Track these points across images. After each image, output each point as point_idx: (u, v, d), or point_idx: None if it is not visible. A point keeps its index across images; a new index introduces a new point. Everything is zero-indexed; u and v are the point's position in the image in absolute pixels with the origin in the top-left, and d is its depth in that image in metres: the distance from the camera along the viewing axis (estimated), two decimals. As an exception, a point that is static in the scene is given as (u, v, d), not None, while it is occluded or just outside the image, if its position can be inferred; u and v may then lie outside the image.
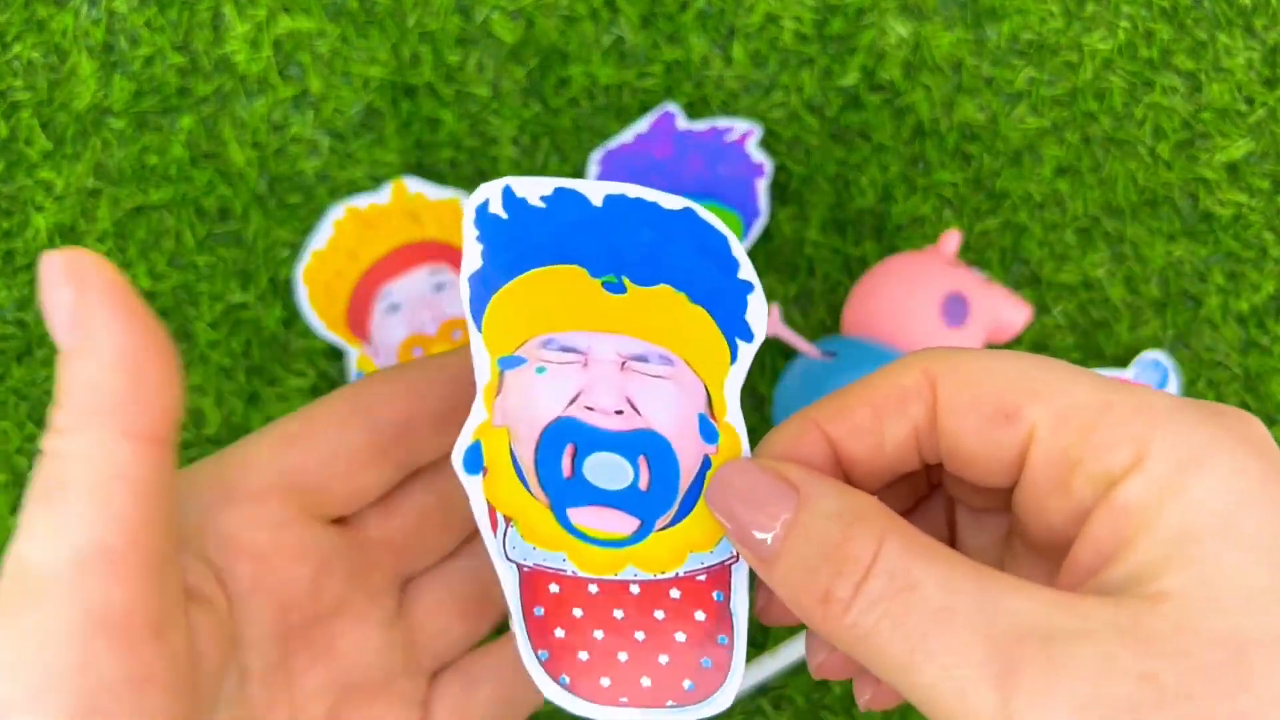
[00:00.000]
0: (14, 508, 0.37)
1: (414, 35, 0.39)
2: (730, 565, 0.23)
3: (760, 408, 0.38)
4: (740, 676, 0.23)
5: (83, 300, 0.19)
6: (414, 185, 0.38)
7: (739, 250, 0.21)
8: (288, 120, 0.39)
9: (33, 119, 0.39)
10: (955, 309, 0.35)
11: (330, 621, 0.24)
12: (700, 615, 0.23)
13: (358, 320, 0.37)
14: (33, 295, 0.38)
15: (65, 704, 0.18)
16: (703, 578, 0.23)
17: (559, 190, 0.21)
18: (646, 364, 0.22)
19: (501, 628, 0.26)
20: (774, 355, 0.38)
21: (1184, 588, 0.15)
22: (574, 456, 0.23)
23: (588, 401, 0.23)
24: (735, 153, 0.38)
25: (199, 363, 0.38)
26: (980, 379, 0.18)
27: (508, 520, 0.23)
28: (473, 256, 0.22)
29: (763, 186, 0.38)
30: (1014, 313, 0.36)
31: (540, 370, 0.23)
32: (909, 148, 0.39)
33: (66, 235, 0.39)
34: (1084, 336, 0.39)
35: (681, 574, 0.23)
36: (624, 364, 0.23)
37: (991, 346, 0.38)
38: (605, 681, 0.23)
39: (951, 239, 0.36)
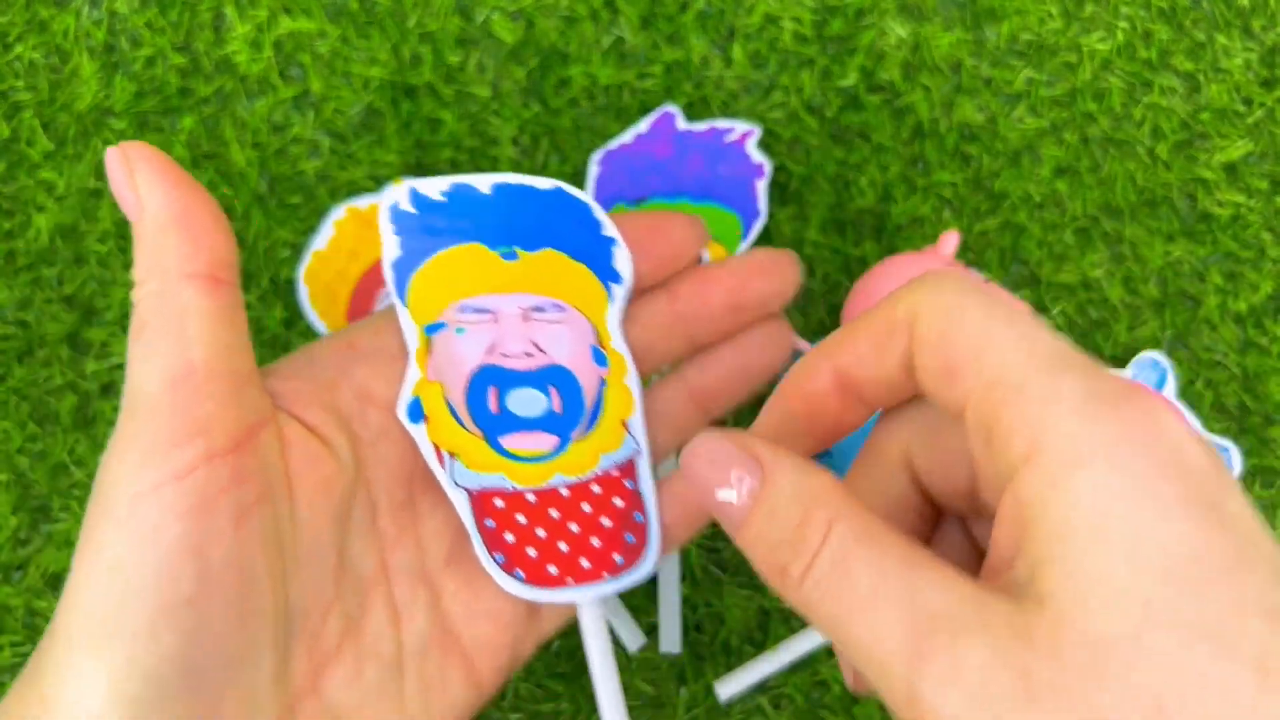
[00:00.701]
0: (15, 507, 0.37)
1: (414, 36, 0.39)
2: (635, 458, 0.29)
3: (757, 408, 0.38)
4: (657, 544, 0.28)
5: (132, 177, 0.23)
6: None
7: (600, 214, 0.28)
8: (288, 121, 0.39)
9: (34, 119, 0.39)
10: None
11: None
12: (619, 501, 0.28)
13: (359, 320, 0.38)
14: (34, 295, 0.39)
15: (186, 497, 0.22)
16: (615, 472, 0.29)
17: (455, 185, 0.27)
18: (544, 313, 0.28)
19: None
20: (774, 355, 0.38)
21: (1059, 588, 0.15)
22: (498, 395, 0.28)
23: (502, 350, 0.28)
24: (735, 153, 0.38)
25: (200, 363, 0.38)
26: (946, 326, 0.18)
27: (451, 455, 0.28)
28: (391, 247, 0.27)
29: (762, 187, 0.38)
30: (1013, 313, 0.36)
31: (460, 331, 0.28)
32: (908, 148, 0.39)
33: (68, 235, 0.39)
34: (1082, 337, 0.39)
35: (599, 473, 0.29)
36: (526, 315, 0.28)
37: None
38: (553, 569, 0.28)
39: (950, 240, 0.36)
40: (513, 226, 0.27)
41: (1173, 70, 0.40)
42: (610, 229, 0.28)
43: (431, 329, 0.28)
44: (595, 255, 0.28)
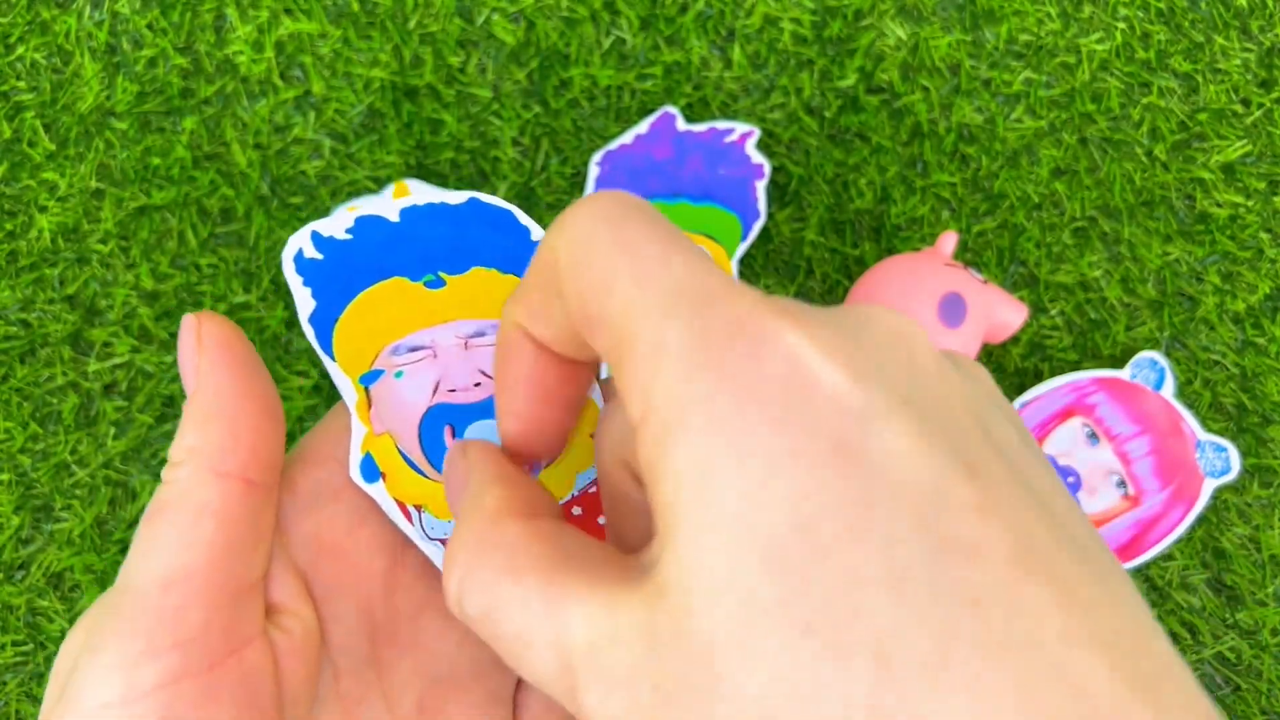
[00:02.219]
0: (18, 506, 0.38)
1: (415, 37, 0.40)
2: None
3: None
4: None
5: (200, 352, 0.22)
6: (415, 186, 0.38)
7: (525, 219, 0.25)
8: (290, 122, 0.39)
9: (36, 120, 0.39)
10: (952, 309, 0.35)
11: (415, 615, 0.26)
12: (602, 520, 0.27)
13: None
14: (36, 295, 0.39)
15: (140, 714, 0.20)
16: (594, 489, 0.27)
17: (359, 219, 0.25)
18: (485, 337, 0.26)
19: None
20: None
21: (672, 581, 0.14)
22: (454, 434, 0.26)
23: (448, 386, 0.27)
24: (734, 154, 0.38)
25: (202, 362, 0.38)
26: (579, 267, 0.16)
27: (418, 508, 0.26)
28: (304, 300, 0.26)
29: (762, 188, 0.38)
30: (1011, 313, 0.36)
31: (398, 375, 0.26)
32: (907, 149, 0.40)
33: (70, 236, 0.39)
34: (1081, 336, 0.39)
35: (576, 493, 0.27)
36: (466, 344, 0.26)
37: (989, 346, 0.38)
38: None
39: (949, 240, 0.36)
40: (431, 251, 0.26)
41: (1171, 71, 0.40)
42: (538, 233, 0.26)
43: (367, 379, 0.26)
44: (526, 264, 0.27)
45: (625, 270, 0.15)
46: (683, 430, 0.13)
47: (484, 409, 0.26)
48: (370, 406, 0.26)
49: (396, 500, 0.26)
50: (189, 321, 0.22)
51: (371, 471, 0.26)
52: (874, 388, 0.13)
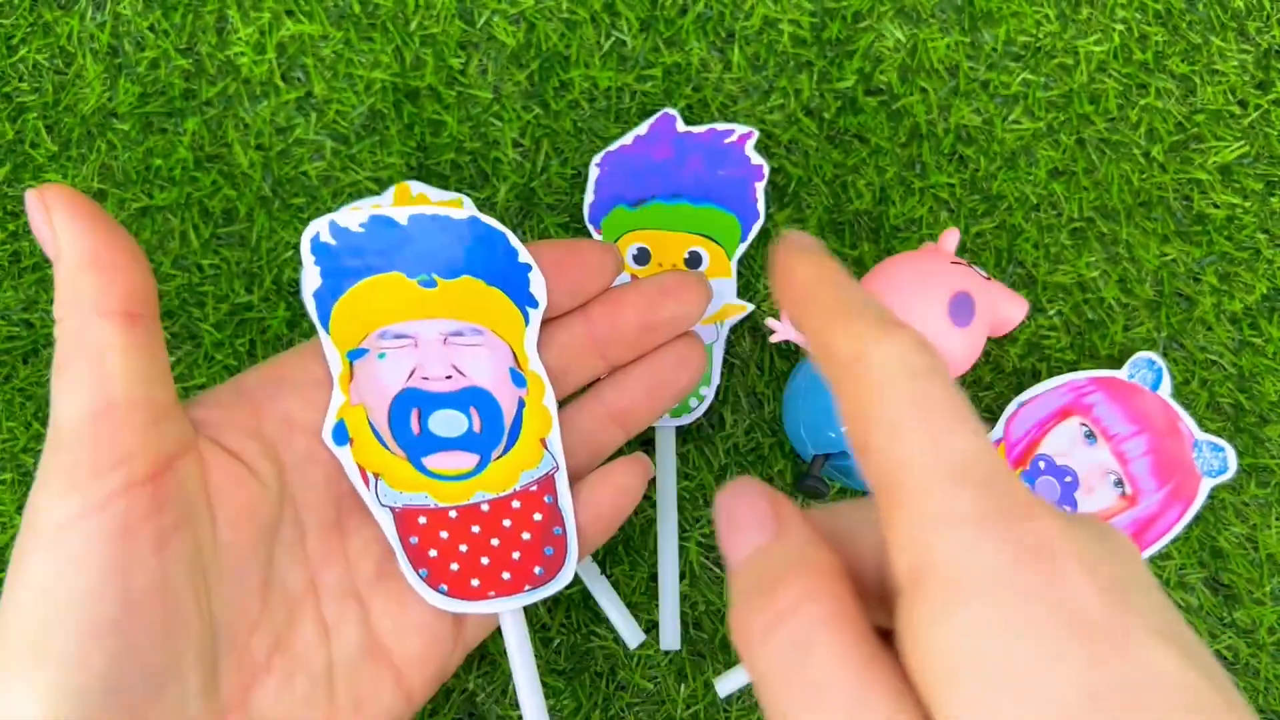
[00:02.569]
0: (20, 505, 0.38)
1: (416, 39, 0.40)
2: (553, 474, 0.30)
3: (760, 407, 0.38)
4: (575, 556, 0.30)
5: (50, 218, 0.23)
6: (417, 188, 0.38)
7: (515, 241, 0.28)
8: (292, 123, 0.40)
9: (39, 121, 0.40)
10: (961, 308, 0.35)
11: None
12: (538, 516, 0.30)
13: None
14: (39, 296, 0.39)
15: (108, 524, 0.22)
16: (534, 488, 0.30)
17: (373, 217, 0.28)
18: (463, 337, 0.29)
19: None
20: (773, 357, 0.39)
21: None
22: (420, 417, 0.29)
23: (423, 374, 0.29)
24: (733, 155, 0.38)
25: (204, 363, 0.38)
26: (867, 395, 0.17)
27: (376, 475, 0.29)
28: (313, 277, 0.28)
29: (761, 189, 0.38)
30: (1013, 308, 0.36)
31: (381, 356, 0.29)
32: (905, 150, 0.40)
33: (73, 237, 0.39)
34: (1078, 337, 0.39)
35: (518, 489, 0.30)
36: (445, 340, 0.29)
37: (987, 344, 0.38)
38: (475, 582, 0.29)
39: (951, 237, 0.36)
40: (430, 255, 0.28)
41: (1168, 72, 0.40)
42: (525, 255, 0.29)
43: (354, 354, 0.29)
44: (511, 281, 0.29)
45: (914, 427, 0.16)
46: (970, 601, 0.14)
47: (449, 399, 0.29)
48: (351, 379, 0.29)
49: (359, 465, 0.29)
50: (31, 196, 0.23)
51: (341, 436, 0.29)
52: (1133, 618, 0.15)
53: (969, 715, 0.14)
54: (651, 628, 0.37)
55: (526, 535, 0.30)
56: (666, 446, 0.37)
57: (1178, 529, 0.35)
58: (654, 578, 0.37)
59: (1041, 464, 0.36)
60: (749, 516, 0.18)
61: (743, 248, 0.38)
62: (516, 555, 0.30)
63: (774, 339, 0.37)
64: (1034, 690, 0.14)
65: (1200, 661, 0.15)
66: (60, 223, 0.23)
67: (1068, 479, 0.35)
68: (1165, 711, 0.14)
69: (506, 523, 0.30)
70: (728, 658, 0.37)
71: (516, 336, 0.29)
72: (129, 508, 0.23)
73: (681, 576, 0.37)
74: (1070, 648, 0.14)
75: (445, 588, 0.29)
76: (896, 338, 0.17)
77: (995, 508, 0.15)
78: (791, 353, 0.38)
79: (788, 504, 0.19)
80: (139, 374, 0.24)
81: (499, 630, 0.31)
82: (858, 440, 0.17)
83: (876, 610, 0.18)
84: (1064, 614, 0.14)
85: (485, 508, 0.29)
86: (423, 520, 0.29)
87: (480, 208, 0.38)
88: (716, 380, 0.37)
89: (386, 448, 0.29)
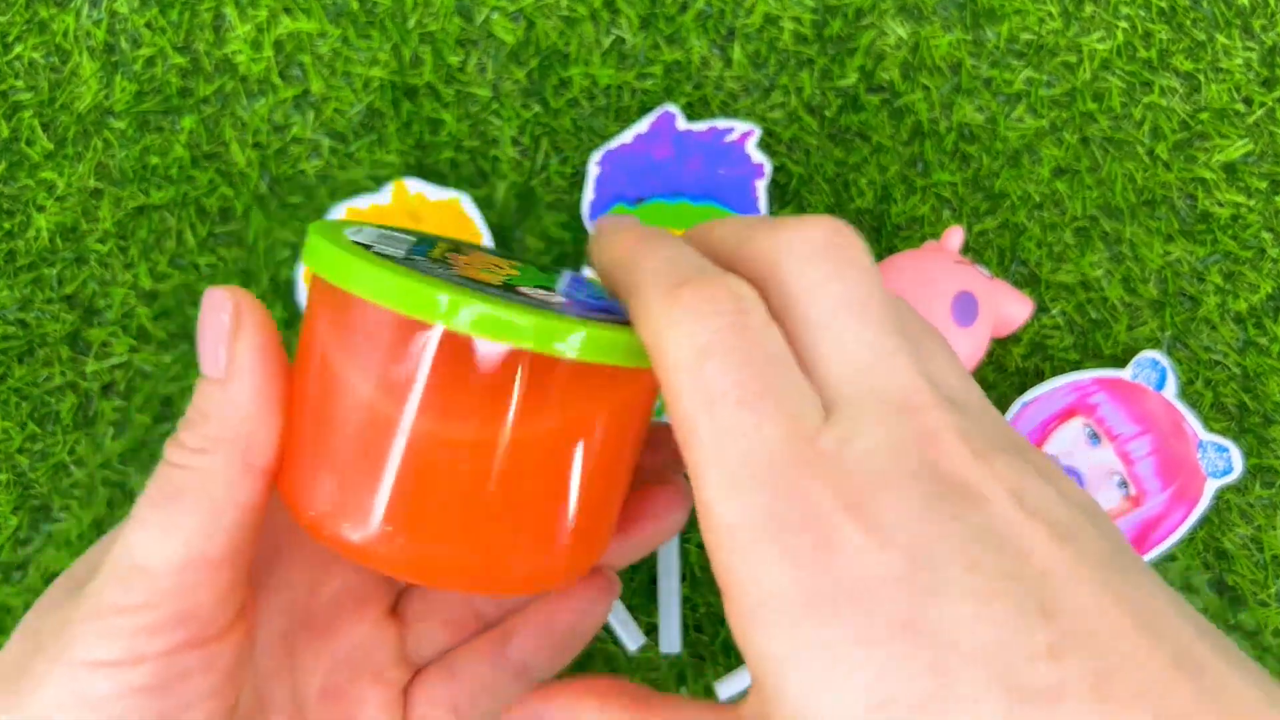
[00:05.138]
0: (15, 506, 0.37)
1: (415, 36, 0.40)
2: None
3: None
4: None
5: (237, 337, 0.21)
6: (414, 186, 0.38)
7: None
8: (289, 121, 0.39)
9: (34, 119, 0.39)
10: (965, 308, 0.35)
11: (330, 614, 0.26)
12: None
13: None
14: (34, 295, 0.39)
15: (146, 679, 0.20)
16: None
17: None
18: None
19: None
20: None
21: None
22: None
23: None
24: (734, 153, 0.38)
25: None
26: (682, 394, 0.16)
27: None
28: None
29: (762, 187, 0.38)
30: (1017, 308, 0.36)
31: None
32: (907, 148, 0.39)
33: (68, 235, 0.39)
34: (1082, 336, 0.39)
35: None
36: None
37: (996, 341, 0.38)
38: None
39: (955, 235, 0.36)
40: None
41: (1172, 70, 0.40)
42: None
43: None
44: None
45: (707, 433, 0.15)
46: (772, 620, 0.14)
47: None
48: None
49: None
50: (221, 299, 0.20)
51: None
52: (925, 561, 0.14)
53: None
54: (652, 631, 0.37)
55: None
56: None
57: (1183, 530, 0.35)
58: (654, 580, 0.37)
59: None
60: None
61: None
62: None
63: None
64: None
65: (1024, 580, 0.14)
66: (245, 350, 0.20)
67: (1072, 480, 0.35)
68: (968, 688, 0.13)
69: None
70: (729, 661, 0.36)
71: None
72: (168, 668, 0.21)
73: (682, 579, 0.37)
74: (856, 657, 0.14)
75: None
76: (682, 304, 0.16)
77: (777, 515, 0.15)
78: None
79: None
80: (248, 537, 0.21)
81: None
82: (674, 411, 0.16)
83: None
84: (850, 618, 0.14)
85: None
86: None
87: (479, 206, 0.38)
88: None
89: None
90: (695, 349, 0.16)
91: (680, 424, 0.16)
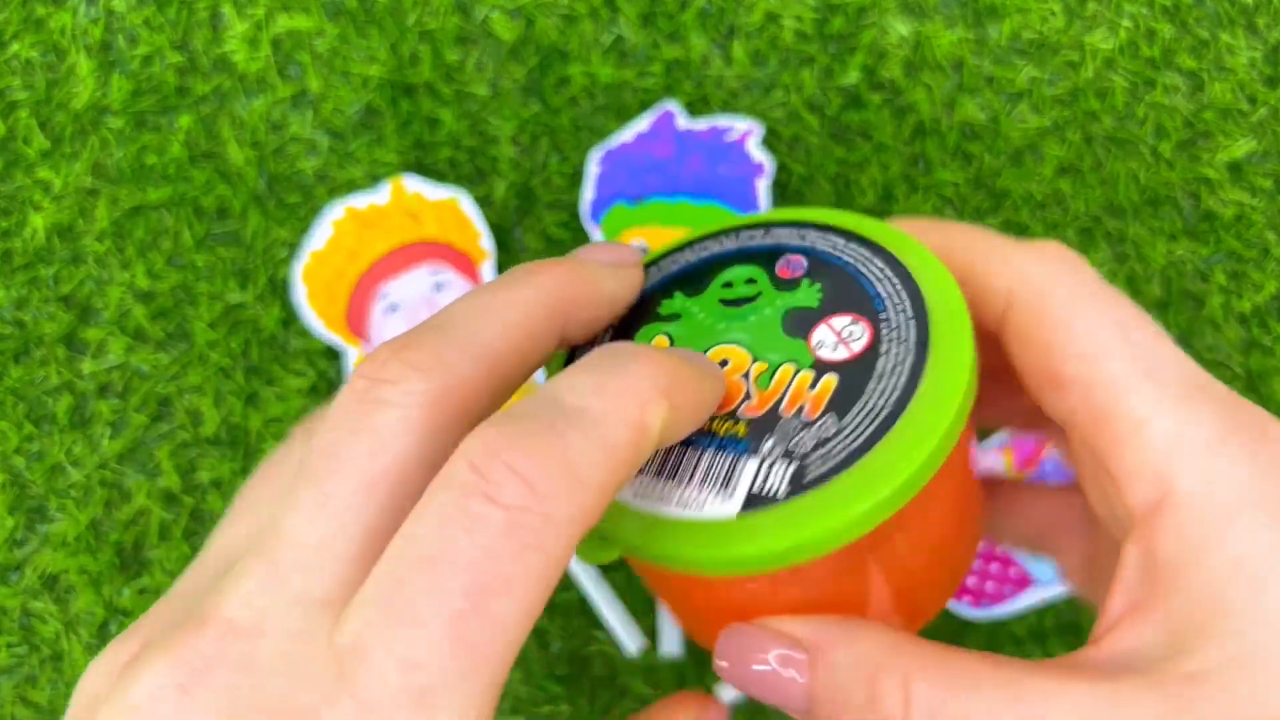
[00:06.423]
0: (12, 508, 0.37)
1: (413, 34, 0.39)
2: None
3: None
4: None
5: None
6: (413, 184, 0.38)
7: None
8: (286, 119, 0.39)
9: (31, 118, 0.39)
10: None
11: None
12: None
13: (357, 320, 0.37)
14: (30, 295, 0.38)
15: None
16: None
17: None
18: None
19: None
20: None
21: (1221, 668, 0.13)
22: None
23: None
24: (735, 152, 0.38)
25: (197, 363, 0.38)
26: (1048, 324, 0.16)
27: None
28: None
29: (763, 186, 0.37)
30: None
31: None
32: (910, 147, 0.39)
33: (65, 234, 0.39)
34: (1085, 336, 0.38)
35: None
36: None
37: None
38: None
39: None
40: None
41: (1176, 68, 0.40)
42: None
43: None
44: None
45: (1118, 347, 0.15)
46: (1241, 521, 0.14)
47: None
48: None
49: None
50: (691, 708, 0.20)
51: None
52: None
53: (1258, 646, 0.13)
54: (652, 633, 0.36)
55: None
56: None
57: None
58: (654, 581, 0.36)
59: (1049, 466, 0.35)
60: (766, 648, 0.17)
61: (744, 246, 0.37)
62: None
63: None
64: None
65: None
66: None
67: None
68: None
69: None
70: (729, 662, 0.36)
71: None
72: None
73: (682, 580, 0.37)
74: None
75: None
76: (1045, 251, 0.17)
77: (1236, 423, 0.15)
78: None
79: (795, 624, 0.17)
80: None
81: None
82: (1047, 377, 0.16)
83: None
84: None
85: None
86: None
87: (478, 205, 0.38)
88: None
89: None
90: (1094, 274, 0.16)
91: (1090, 342, 0.16)
